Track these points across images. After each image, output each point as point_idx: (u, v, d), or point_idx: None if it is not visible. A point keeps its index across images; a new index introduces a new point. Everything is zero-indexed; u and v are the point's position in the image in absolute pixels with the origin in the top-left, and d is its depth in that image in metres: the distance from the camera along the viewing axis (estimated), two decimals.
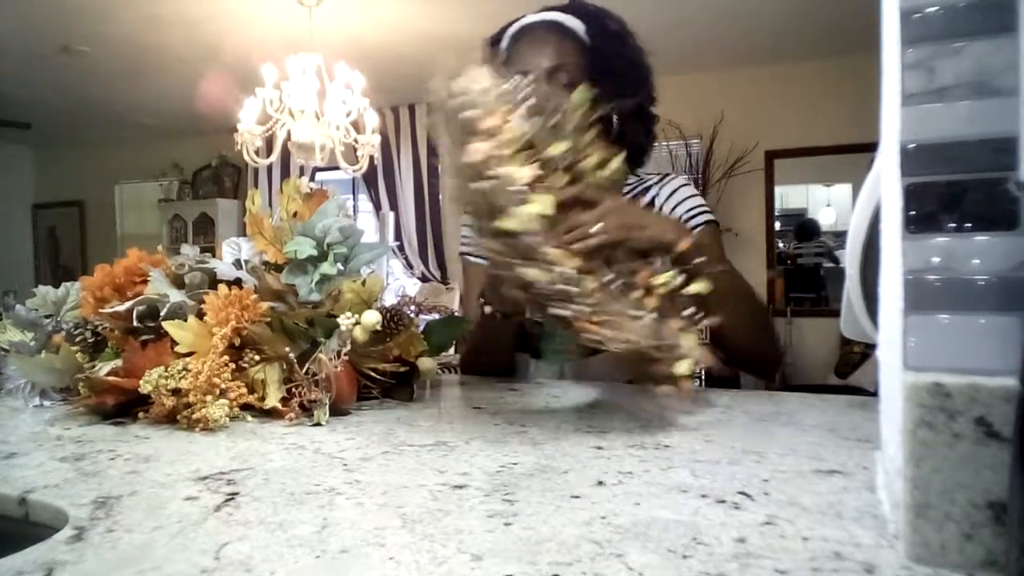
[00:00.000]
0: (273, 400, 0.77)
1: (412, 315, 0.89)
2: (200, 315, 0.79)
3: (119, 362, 0.79)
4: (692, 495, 0.48)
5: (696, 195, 1.15)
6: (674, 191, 1.14)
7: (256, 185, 5.63)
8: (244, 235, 0.93)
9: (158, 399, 0.73)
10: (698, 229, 1.07)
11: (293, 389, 0.76)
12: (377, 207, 5.41)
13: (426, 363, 0.89)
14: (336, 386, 0.75)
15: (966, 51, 0.35)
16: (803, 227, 5.07)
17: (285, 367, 0.79)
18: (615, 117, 1.07)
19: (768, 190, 4.71)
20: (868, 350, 3.85)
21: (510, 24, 1.16)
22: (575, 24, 1.13)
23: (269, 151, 3.84)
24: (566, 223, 0.71)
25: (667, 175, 1.19)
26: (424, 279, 5.29)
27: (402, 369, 0.86)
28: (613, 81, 1.08)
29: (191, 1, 3.54)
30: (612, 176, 0.78)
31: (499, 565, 0.37)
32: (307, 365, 0.77)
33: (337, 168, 3.83)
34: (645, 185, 1.17)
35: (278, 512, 0.46)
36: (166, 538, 0.42)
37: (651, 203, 1.13)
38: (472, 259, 1.22)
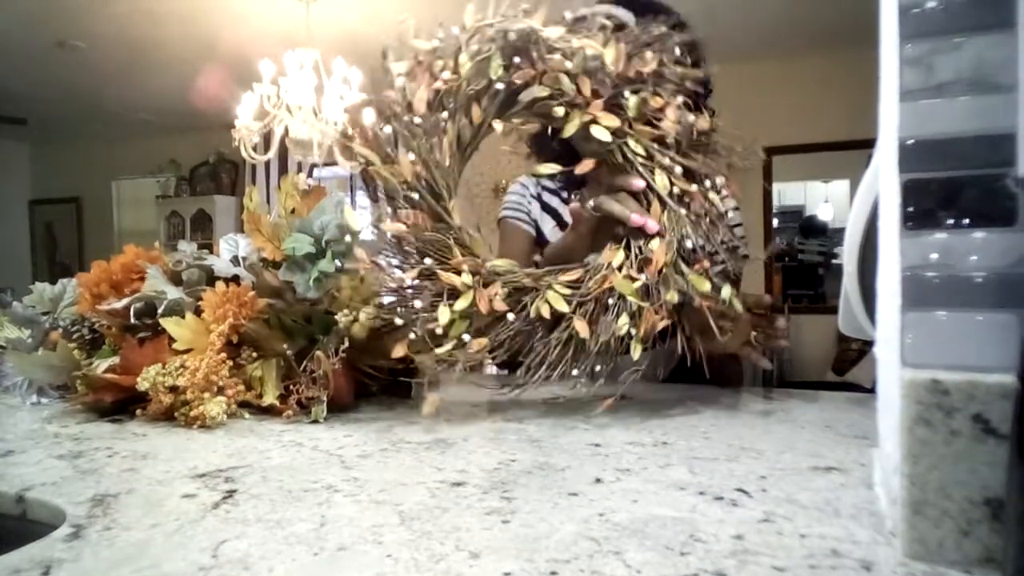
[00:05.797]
0: (271, 397, 0.77)
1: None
2: (198, 312, 0.79)
3: (116, 359, 0.79)
4: (690, 492, 0.48)
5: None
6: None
7: (254, 182, 5.63)
8: (242, 232, 0.93)
9: (156, 396, 0.73)
10: None
11: (291, 386, 0.76)
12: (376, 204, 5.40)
13: (424, 360, 0.89)
14: (334, 383, 0.75)
15: (965, 47, 0.35)
16: (809, 224, 5.07)
17: (283, 364, 0.79)
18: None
19: (766, 187, 4.71)
20: (866, 347, 3.85)
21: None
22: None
23: (267, 147, 3.83)
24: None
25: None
26: None
27: (400, 366, 0.86)
28: None
29: None
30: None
31: (497, 562, 0.37)
32: (305, 362, 0.77)
33: (335, 164, 3.83)
34: None
35: (276, 509, 0.46)
36: (164, 536, 0.41)
37: None
38: (515, 222, 1.21)
